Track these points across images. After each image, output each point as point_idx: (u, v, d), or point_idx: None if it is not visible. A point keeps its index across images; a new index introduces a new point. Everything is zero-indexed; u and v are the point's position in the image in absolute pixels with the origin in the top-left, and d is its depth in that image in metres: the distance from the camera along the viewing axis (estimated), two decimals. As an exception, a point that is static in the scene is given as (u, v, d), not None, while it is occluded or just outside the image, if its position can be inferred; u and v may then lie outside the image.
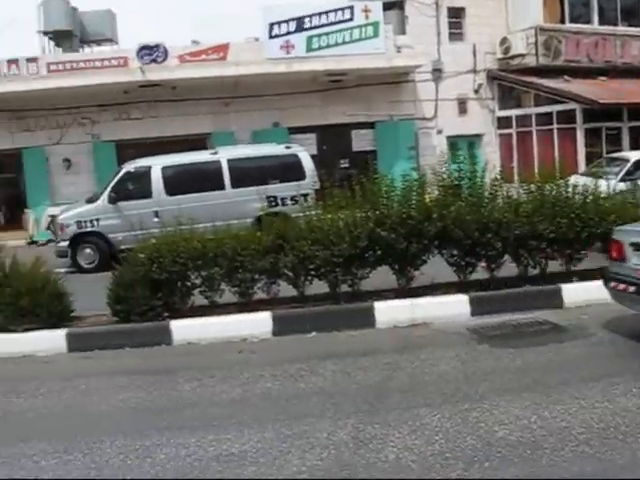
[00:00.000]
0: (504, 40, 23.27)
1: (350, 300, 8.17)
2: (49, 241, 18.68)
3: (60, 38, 28.65)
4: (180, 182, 14.68)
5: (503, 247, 8.26)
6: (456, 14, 23.67)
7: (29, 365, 7.44)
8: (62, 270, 11.97)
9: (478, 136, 23.93)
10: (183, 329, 7.72)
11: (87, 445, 5.04)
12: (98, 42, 32.32)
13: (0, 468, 4.78)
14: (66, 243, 14.56)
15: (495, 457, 4.38)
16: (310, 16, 21.69)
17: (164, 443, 4.95)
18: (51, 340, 7.78)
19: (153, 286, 7.85)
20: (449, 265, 8.65)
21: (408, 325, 7.73)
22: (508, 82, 23.78)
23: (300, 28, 21.66)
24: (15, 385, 6.69)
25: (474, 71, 23.76)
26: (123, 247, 12.61)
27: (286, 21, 21.61)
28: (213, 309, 8.15)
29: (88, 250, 14.50)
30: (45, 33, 28.76)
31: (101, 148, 21.71)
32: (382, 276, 8.46)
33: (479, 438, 4.67)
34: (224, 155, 15.14)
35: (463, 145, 21.99)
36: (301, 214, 8.72)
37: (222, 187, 14.73)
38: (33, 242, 20.15)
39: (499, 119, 24.28)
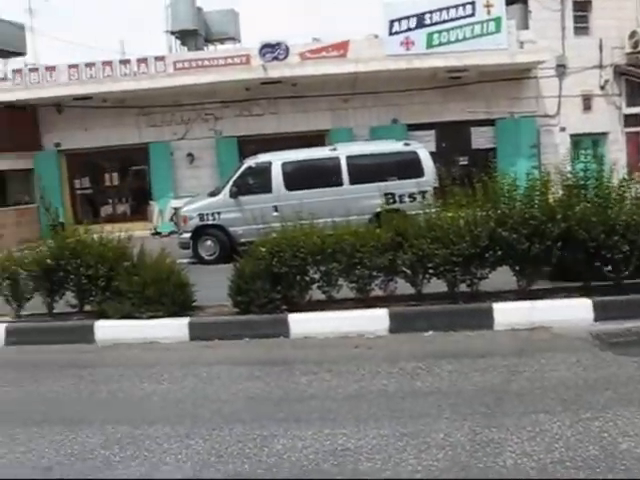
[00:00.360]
0: (633, 34, 22.26)
1: (468, 300, 8.05)
2: (171, 232, 19.40)
3: (186, 37, 29.71)
4: (299, 177, 14.92)
5: (630, 250, 7.92)
6: (582, 7, 22.83)
7: (153, 351, 7.75)
8: (184, 261, 12.36)
9: (603, 134, 23.01)
10: (301, 322, 7.83)
11: (207, 431, 5.21)
12: (221, 40, 33.28)
13: (127, 448, 5.01)
14: (188, 235, 15.09)
15: (619, 469, 4.22)
16: (431, 12, 21.49)
17: (281, 434, 5.05)
18: (174, 328, 8.08)
19: (273, 279, 8.01)
20: (572, 268, 8.38)
21: (527, 328, 7.51)
22: (637, 78, 22.76)
23: (420, 24, 21.49)
24: (140, 370, 7.00)
25: (600, 66, 22.85)
26: (242, 240, 12.95)
27: (407, 17, 21.49)
28: (330, 304, 8.22)
29: (209, 242, 14.98)
30: (172, 33, 29.90)
31: (223, 143, 22.33)
32: (502, 277, 8.30)
33: (602, 449, 4.50)
34: (343, 151, 15.25)
35: (587, 143, 21.28)
36: (419, 211, 8.68)
37: (340, 183, 14.85)
38: (157, 233, 20.95)
39: (626, 117, 23.26)
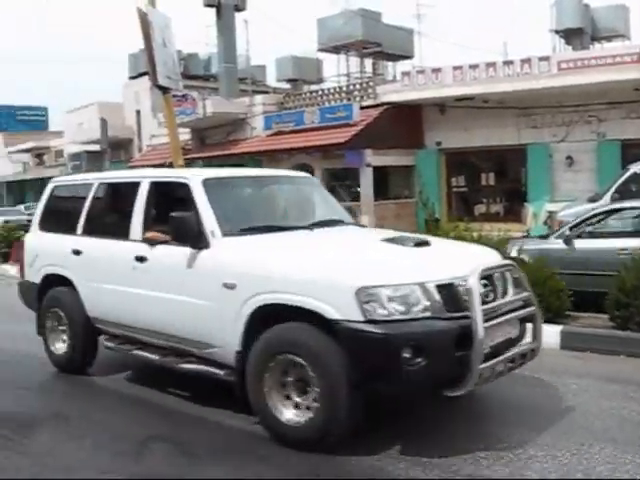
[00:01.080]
0: None
1: None
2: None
3: (570, 36, 29.01)
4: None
5: None
6: None
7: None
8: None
9: None
10: (683, 346, 7.22)
11: (575, 445, 5.06)
12: (609, 38, 31.79)
13: (492, 447, 5.09)
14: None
15: None
16: None
17: (657, 465, 4.72)
18: (546, 334, 7.95)
19: (658, 296, 7.51)
20: None
21: None
22: None
23: None
24: (508, 372, 7.06)
25: None
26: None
27: None
28: None
29: (583, 249, 14.45)
30: (556, 32, 29.36)
31: (605, 147, 21.32)
32: None
33: None
34: None
35: None
36: None
37: None
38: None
39: None
